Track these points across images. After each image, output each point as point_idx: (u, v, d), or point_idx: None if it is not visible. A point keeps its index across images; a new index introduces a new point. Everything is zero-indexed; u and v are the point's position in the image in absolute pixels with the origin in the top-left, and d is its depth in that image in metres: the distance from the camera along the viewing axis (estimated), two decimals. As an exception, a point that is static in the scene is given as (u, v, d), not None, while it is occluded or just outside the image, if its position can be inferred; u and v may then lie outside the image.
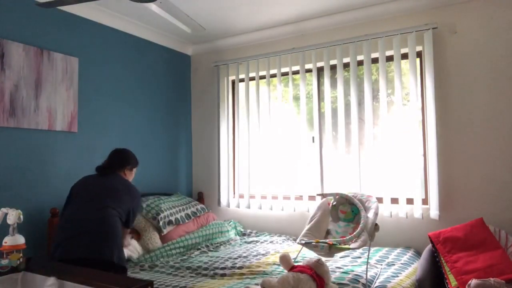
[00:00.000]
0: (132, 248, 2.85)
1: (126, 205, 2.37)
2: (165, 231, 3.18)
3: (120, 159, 2.60)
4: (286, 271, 2.11)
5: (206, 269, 2.62)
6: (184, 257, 3.00)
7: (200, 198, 4.14)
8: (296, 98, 3.72)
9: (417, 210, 3.04)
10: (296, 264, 2.15)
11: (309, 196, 3.53)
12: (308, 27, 3.62)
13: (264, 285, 1.89)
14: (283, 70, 3.76)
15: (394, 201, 3.16)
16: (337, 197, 2.66)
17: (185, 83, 4.30)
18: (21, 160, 2.74)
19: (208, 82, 4.24)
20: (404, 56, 3.23)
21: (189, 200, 3.74)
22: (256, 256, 2.93)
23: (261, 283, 1.91)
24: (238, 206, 3.88)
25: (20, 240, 1.83)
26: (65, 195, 2.44)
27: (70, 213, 2.28)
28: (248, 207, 3.82)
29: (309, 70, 3.61)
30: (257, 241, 3.44)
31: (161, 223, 3.17)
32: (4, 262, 1.75)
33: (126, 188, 2.45)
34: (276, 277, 2.01)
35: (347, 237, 2.32)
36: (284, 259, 2.13)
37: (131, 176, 2.66)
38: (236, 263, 2.74)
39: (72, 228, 2.18)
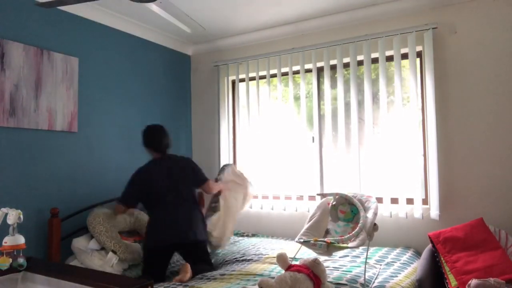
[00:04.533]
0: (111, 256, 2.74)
1: (191, 179, 2.89)
2: None
3: (166, 135, 2.94)
4: (283, 270, 2.11)
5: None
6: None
7: (200, 198, 4.13)
8: (296, 98, 3.72)
9: (417, 210, 3.04)
10: (293, 263, 2.15)
11: (309, 196, 3.53)
12: (308, 27, 3.61)
13: (262, 285, 1.90)
14: (283, 70, 3.76)
15: (394, 201, 3.16)
16: (336, 197, 2.66)
17: (185, 83, 4.30)
18: (21, 160, 2.74)
19: (208, 82, 4.24)
20: (404, 56, 3.23)
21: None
22: (255, 256, 2.93)
23: (258, 282, 1.92)
24: (238, 206, 3.88)
25: (20, 240, 1.83)
26: (65, 195, 2.44)
27: (160, 215, 2.74)
28: (250, 207, 3.81)
29: (309, 70, 3.61)
30: (253, 242, 3.44)
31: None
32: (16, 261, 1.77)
33: (188, 165, 2.94)
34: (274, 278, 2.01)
35: (346, 236, 2.32)
36: (281, 259, 2.13)
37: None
38: (235, 264, 2.74)
39: (172, 222, 2.70)
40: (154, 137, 2.89)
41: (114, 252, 2.65)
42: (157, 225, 2.72)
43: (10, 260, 1.77)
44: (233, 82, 4.15)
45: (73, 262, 2.73)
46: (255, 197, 3.69)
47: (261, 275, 2.47)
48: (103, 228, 2.73)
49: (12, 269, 1.76)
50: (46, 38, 2.93)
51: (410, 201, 3.11)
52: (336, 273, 2.39)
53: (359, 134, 3.29)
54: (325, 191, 3.54)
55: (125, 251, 2.71)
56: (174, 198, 2.74)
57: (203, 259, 2.74)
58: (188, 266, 2.48)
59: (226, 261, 2.90)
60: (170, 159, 2.89)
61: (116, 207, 2.86)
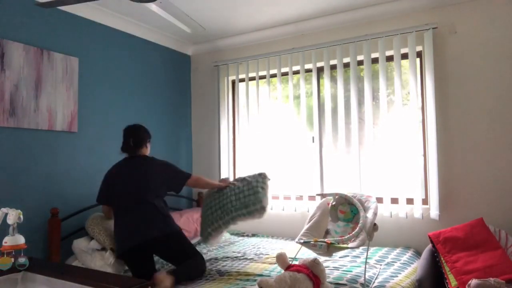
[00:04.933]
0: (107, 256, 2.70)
1: (159, 182, 2.66)
2: None
3: (141, 135, 2.78)
4: (283, 270, 2.11)
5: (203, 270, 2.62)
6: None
7: (200, 198, 4.14)
8: (296, 98, 3.72)
9: (417, 210, 3.04)
10: (293, 263, 2.15)
11: (309, 196, 3.53)
12: (308, 27, 3.61)
13: (262, 285, 1.90)
14: (283, 70, 3.76)
15: (394, 201, 3.16)
16: (336, 197, 2.66)
17: (185, 83, 4.30)
18: (21, 160, 2.74)
19: (208, 82, 4.24)
20: (404, 56, 3.23)
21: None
22: (255, 256, 2.93)
23: (258, 282, 1.92)
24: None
25: (20, 240, 1.83)
26: (65, 195, 2.44)
27: (121, 217, 2.61)
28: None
29: (309, 70, 3.61)
30: (253, 242, 3.44)
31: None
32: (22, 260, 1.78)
33: (152, 169, 2.69)
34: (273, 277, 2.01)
35: (346, 237, 2.32)
36: (281, 258, 2.13)
37: (149, 148, 2.86)
38: (234, 264, 2.74)
39: (128, 226, 2.56)
40: (123, 137, 2.77)
41: (112, 250, 2.65)
42: (117, 230, 2.61)
43: (12, 260, 1.77)
44: (233, 82, 4.15)
45: (74, 263, 2.73)
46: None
47: (261, 275, 2.47)
48: (101, 228, 2.74)
49: (12, 269, 1.76)
50: (46, 38, 2.93)
51: (410, 201, 3.11)
52: (336, 273, 2.39)
53: (359, 134, 3.29)
54: (325, 191, 3.54)
55: None
56: (133, 201, 2.58)
57: (181, 253, 2.56)
58: (159, 276, 2.23)
59: (227, 257, 2.90)
60: (137, 161, 2.71)
61: (102, 208, 2.86)
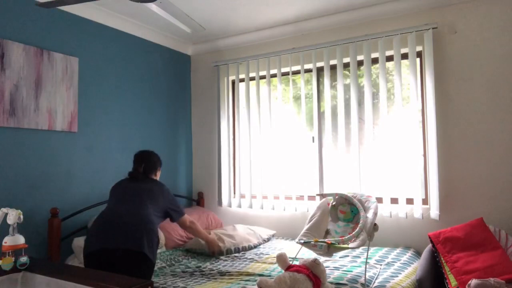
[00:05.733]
0: None
1: (161, 204, 2.48)
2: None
3: (153, 163, 2.66)
4: (283, 270, 2.11)
5: (203, 271, 2.62)
6: (183, 259, 3.00)
7: (200, 198, 4.14)
8: (296, 98, 3.72)
9: (417, 210, 3.04)
10: (294, 263, 2.15)
11: (308, 196, 3.53)
12: (308, 27, 3.62)
13: (261, 285, 1.89)
14: (283, 70, 3.76)
15: (394, 201, 3.16)
16: (336, 197, 2.66)
17: (185, 83, 4.30)
18: (21, 160, 2.74)
19: (208, 82, 4.24)
20: (404, 56, 3.23)
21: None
22: (255, 256, 2.93)
23: (257, 282, 1.92)
24: (239, 206, 3.88)
25: (20, 240, 1.83)
26: (65, 195, 2.44)
27: (107, 209, 2.38)
28: (250, 207, 3.82)
29: (309, 70, 3.61)
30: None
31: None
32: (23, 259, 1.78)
33: (160, 190, 2.53)
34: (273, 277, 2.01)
35: (346, 237, 2.32)
36: (281, 259, 2.13)
37: (159, 175, 2.74)
38: (234, 264, 2.74)
39: (107, 222, 2.26)
40: (134, 163, 2.65)
41: None
42: (93, 226, 2.31)
43: (13, 259, 1.77)
44: (233, 82, 4.15)
45: (73, 262, 2.73)
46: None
47: (261, 275, 2.47)
48: None
49: (12, 269, 1.76)
50: (46, 38, 2.93)
51: (410, 201, 3.11)
52: (336, 273, 2.39)
53: (359, 134, 3.29)
54: (325, 191, 3.54)
55: None
56: (129, 203, 2.35)
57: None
58: None
59: (227, 257, 2.90)
60: (146, 180, 2.57)
61: None
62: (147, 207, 2.36)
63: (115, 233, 2.19)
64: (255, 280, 2.32)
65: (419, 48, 3.19)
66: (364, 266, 2.41)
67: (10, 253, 1.79)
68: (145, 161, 2.62)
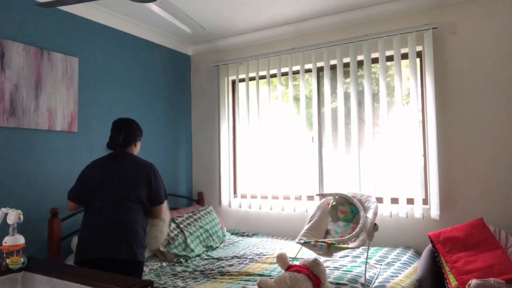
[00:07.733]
0: None
1: (146, 190, 2.26)
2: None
3: (133, 132, 2.40)
4: (283, 271, 2.11)
5: (203, 270, 2.62)
6: (183, 259, 3.00)
7: (200, 198, 4.14)
8: (296, 98, 3.72)
9: (417, 210, 3.04)
10: (294, 263, 2.15)
11: (307, 196, 3.53)
12: (308, 27, 3.61)
13: (261, 285, 1.89)
14: (283, 70, 3.76)
15: (394, 201, 3.16)
16: (336, 197, 2.66)
17: (185, 83, 4.30)
18: (21, 160, 2.74)
19: (208, 82, 4.24)
20: (404, 56, 3.23)
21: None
22: (255, 256, 2.93)
23: (257, 282, 1.92)
24: (240, 206, 3.88)
25: (20, 240, 1.83)
26: (65, 195, 2.41)
27: (93, 213, 2.20)
28: (250, 207, 3.82)
29: (309, 70, 3.61)
30: (253, 242, 3.44)
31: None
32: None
33: (144, 171, 2.29)
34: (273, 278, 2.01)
35: (346, 237, 2.32)
36: (281, 259, 2.13)
37: (139, 147, 2.48)
38: (233, 264, 2.74)
39: (94, 231, 2.15)
40: (112, 131, 2.38)
41: None
42: (82, 234, 2.20)
43: (22, 259, 1.77)
44: (233, 82, 4.15)
45: (73, 261, 2.73)
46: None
47: (261, 275, 2.47)
48: None
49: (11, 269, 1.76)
50: (46, 38, 2.93)
51: (410, 201, 3.11)
52: (336, 273, 2.39)
53: (359, 134, 3.29)
54: (325, 191, 3.54)
55: None
56: (114, 203, 2.18)
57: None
58: None
59: (226, 257, 2.90)
60: (125, 160, 2.31)
61: (68, 204, 2.37)
62: (133, 208, 2.19)
63: (105, 242, 2.09)
64: (255, 280, 2.32)
65: (419, 48, 3.19)
66: (364, 266, 2.41)
67: (20, 252, 1.79)
68: (125, 131, 2.36)
